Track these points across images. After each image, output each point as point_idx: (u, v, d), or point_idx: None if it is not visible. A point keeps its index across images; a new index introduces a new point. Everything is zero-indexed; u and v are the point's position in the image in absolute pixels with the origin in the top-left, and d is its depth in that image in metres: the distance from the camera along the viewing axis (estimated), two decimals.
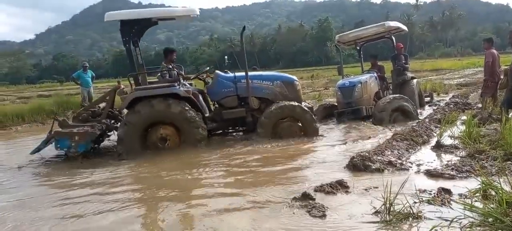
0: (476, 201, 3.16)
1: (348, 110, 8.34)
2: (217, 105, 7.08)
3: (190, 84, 7.40)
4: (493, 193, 3.16)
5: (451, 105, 8.65)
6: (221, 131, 7.10)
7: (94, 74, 13.35)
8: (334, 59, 72.37)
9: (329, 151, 5.69)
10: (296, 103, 6.63)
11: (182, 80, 6.97)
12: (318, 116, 8.91)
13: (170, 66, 7.00)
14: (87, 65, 13.08)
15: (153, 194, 4.18)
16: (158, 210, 3.66)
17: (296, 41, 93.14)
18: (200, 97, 6.95)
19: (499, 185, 3.08)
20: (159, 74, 7.08)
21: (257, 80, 6.97)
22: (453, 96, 10.82)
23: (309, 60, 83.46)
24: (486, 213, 2.73)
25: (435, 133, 6.03)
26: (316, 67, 60.24)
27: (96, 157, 6.53)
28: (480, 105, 8.62)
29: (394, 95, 8.60)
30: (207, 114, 6.79)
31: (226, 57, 7.49)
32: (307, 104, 7.17)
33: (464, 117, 6.91)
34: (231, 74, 7.05)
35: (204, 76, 7.52)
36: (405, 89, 9.42)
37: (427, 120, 7.09)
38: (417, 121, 7.57)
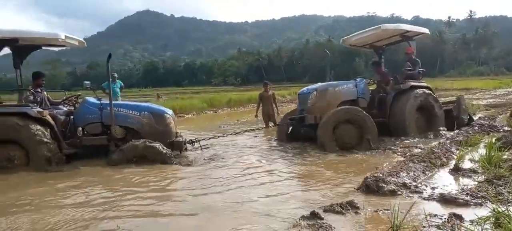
0: (487, 228, 3.11)
1: (296, 118, 8.12)
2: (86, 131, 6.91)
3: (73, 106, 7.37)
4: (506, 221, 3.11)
5: (476, 127, 8.40)
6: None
7: (123, 85, 13.67)
8: (363, 75, 71.49)
9: (341, 170, 5.67)
10: (146, 141, 6.32)
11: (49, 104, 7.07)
12: (282, 131, 8.56)
13: (39, 90, 7.02)
14: (116, 75, 13.39)
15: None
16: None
17: (324, 56, 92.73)
18: (69, 120, 6.98)
19: (511, 213, 3.03)
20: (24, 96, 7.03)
21: (123, 109, 6.86)
22: (479, 118, 10.47)
23: (337, 75, 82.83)
24: None
25: (455, 155, 5.91)
26: None
27: None
28: (506, 128, 8.35)
29: (345, 106, 7.61)
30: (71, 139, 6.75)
31: (86, 82, 7.02)
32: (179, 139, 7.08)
33: (489, 140, 6.72)
34: (97, 101, 6.91)
35: (74, 101, 7.45)
36: (398, 102, 8.15)
37: (448, 141, 6.93)
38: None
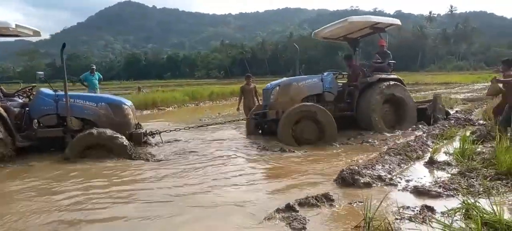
0: (456, 220, 3.17)
1: (259, 113, 8.09)
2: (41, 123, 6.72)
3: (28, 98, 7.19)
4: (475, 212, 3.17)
5: (452, 121, 8.54)
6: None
7: (101, 77, 13.48)
8: (345, 69, 72.03)
9: (318, 163, 5.69)
10: (105, 130, 6.20)
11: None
12: (250, 127, 8.50)
13: None
14: (94, 67, 13.21)
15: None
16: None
17: (307, 50, 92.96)
18: (24, 112, 6.76)
19: (480, 204, 3.10)
20: None
21: (80, 100, 6.74)
22: (456, 111, 10.63)
23: (320, 68, 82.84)
24: None
25: (431, 148, 6.00)
26: None
27: None
28: (481, 121, 8.52)
29: (304, 103, 7.48)
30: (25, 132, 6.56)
31: (39, 72, 6.85)
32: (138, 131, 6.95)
33: (463, 133, 6.83)
34: (53, 92, 6.77)
35: (29, 92, 7.30)
36: (365, 95, 8.00)
37: (424, 135, 7.04)
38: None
